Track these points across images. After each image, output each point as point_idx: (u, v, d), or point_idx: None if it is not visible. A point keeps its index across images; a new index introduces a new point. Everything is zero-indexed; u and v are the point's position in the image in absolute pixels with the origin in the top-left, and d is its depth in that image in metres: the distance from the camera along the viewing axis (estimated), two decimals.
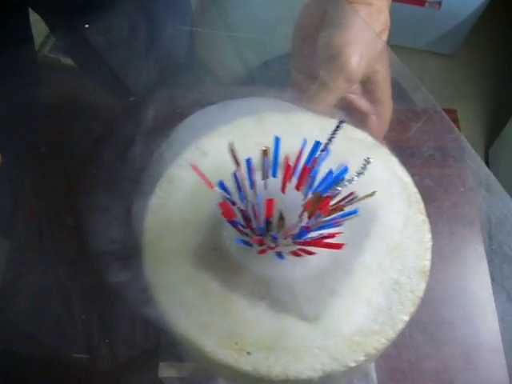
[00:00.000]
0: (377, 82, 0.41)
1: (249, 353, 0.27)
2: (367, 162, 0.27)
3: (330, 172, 0.26)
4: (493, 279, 0.53)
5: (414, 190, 0.32)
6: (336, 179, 0.26)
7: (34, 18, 0.59)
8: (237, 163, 0.27)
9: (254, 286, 0.29)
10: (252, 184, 0.27)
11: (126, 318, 0.38)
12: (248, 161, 0.27)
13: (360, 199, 0.26)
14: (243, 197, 0.26)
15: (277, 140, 0.27)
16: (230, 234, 0.30)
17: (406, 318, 0.28)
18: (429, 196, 0.31)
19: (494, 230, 0.39)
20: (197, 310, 0.29)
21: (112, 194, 0.30)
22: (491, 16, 1.48)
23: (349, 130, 0.33)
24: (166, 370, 0.40)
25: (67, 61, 0.64)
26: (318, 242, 0.25)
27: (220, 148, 0.33)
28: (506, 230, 0.39)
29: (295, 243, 0.26)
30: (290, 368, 0.27)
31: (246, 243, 0.26)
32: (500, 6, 1.54)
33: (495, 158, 1.40)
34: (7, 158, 0.31)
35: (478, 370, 0.51)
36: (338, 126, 0.26)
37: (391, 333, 0.28)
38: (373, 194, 0.27)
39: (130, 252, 0.30)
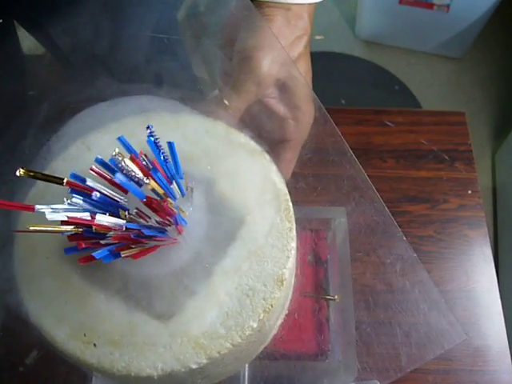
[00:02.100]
0: (293, 87, 0.41)
1: (95, 345, 0.28)
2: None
3: None
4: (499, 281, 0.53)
5: (286, 197, 0.31)
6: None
7: None
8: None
9: (111, 280, 0.30)
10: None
11: None
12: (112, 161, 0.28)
13: None
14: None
15: (150, 142, 0.27)
16: None
17: (255, 324, 0.28)
18: (302, 198, 0.30)
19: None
20: (53, 300, 0.29)
21: None
22: (500, 20, 1.44)
23: (232, 134, 0.33)
24: None
25: None
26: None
27: (105, 144, 0.34)
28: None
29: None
30: (133, 364, 0.28)
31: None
32: (508, 10, 1.49)
33: (502, 162, 1.36)
34: None
35: (485, 372, 0.51)
36: (150, 131, 0.27)
37: (237, 338, 0.28)
38: None
39: (5, 241, 0.31)
